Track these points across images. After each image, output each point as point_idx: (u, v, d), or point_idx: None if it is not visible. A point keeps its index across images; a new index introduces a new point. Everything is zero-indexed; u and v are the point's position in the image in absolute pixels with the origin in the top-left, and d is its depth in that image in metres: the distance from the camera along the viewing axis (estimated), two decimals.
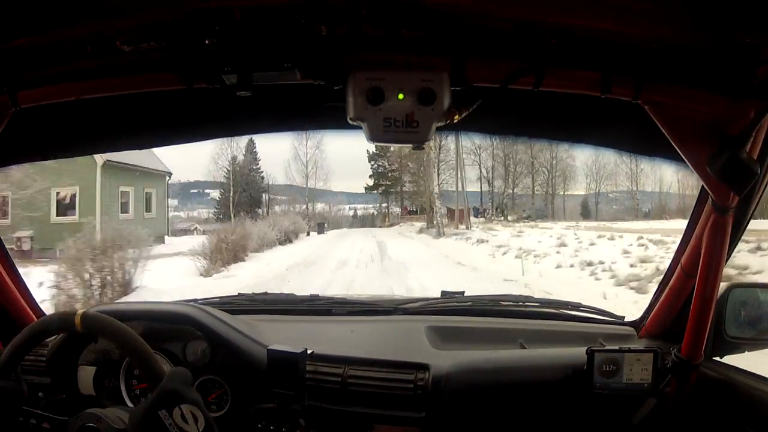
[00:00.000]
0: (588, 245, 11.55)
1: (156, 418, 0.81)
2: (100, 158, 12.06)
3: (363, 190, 33.47)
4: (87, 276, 6.43)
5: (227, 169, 27.71)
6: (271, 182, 30.04)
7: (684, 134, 0.86)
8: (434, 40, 0.80)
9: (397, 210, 33.97)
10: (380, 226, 30.54)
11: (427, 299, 1.51)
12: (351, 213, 34.33)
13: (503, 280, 8.04)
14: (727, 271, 1.10)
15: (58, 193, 12.55)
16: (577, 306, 1.44)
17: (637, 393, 1.15)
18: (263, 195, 29.77)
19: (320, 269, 9.78)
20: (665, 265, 1.46)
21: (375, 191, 33.33)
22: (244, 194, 28.05)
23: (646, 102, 0.85)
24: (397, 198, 33.07)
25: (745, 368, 1.15)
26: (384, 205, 33.95)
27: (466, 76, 0.83)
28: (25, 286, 1.31)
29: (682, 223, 1.54)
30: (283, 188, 30.64)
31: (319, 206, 31.82)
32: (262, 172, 30.14)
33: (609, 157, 28.13)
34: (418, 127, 0.83)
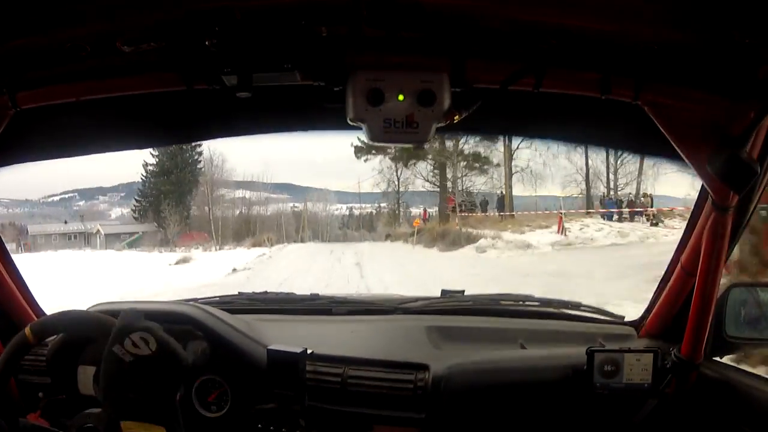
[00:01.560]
0: None
1: (112, 355, 0.94)
2: None
3: (357, 191, 22.72)
4: None
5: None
6: (220, 173, 21.26)
7: (684, 134, 0.87)
8: (434, 42, 0.80)
9: (416, 210, 17.89)
10: (389, 238, 15.84)
11: (428, 299, 1.51)
12: (347, 212, 24.32)
13: None
14: None
15: None
16: (577, 305, 1.44)
17: (637, 393, 1.15)
18: (200, 187, 20.32)
19: None
20: None
21: (372, 155, 18.75)
22: (167, 180, 19.16)
23: (646, 102, 0.85)
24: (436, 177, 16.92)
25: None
26: (381, 203, 19.68)
27: (466, 77, 0.83)
28: (26, 285, 1.31)
29: None
30: (242, 184, 22.75)
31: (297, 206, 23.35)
32: (201, 147, 20.92)
33: None
34: (418, 128, 0.83)
